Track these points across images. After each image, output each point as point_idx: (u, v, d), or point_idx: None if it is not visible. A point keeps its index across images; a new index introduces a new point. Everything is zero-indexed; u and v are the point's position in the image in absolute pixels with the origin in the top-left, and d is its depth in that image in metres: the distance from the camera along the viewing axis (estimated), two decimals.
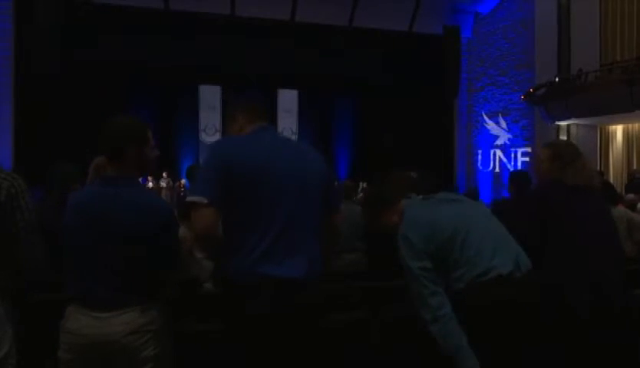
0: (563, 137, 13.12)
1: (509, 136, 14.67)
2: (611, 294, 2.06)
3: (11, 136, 12.24)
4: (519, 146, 14.37)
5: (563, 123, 12.95)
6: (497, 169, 14.95)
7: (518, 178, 4.08)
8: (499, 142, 14.93)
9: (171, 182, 15.42)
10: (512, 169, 14.53)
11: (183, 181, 15.69)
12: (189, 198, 1.66)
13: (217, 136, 17.15)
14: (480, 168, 15.44)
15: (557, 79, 12.55)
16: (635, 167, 12.90)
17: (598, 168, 12.77)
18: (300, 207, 1.65)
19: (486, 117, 15.29)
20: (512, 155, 14.52)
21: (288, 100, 17.83)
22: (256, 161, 1.63)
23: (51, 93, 11.97)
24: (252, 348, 1.54)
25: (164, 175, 15.31)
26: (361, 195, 16.68)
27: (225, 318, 1.67)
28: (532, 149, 14.02)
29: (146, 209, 1.78)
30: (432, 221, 1.92)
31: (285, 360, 1.54)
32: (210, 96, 17.11)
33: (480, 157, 15.47)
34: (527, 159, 14.17)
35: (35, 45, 11.06)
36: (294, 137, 17.87)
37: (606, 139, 13.17)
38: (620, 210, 4.29)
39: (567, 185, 2.20)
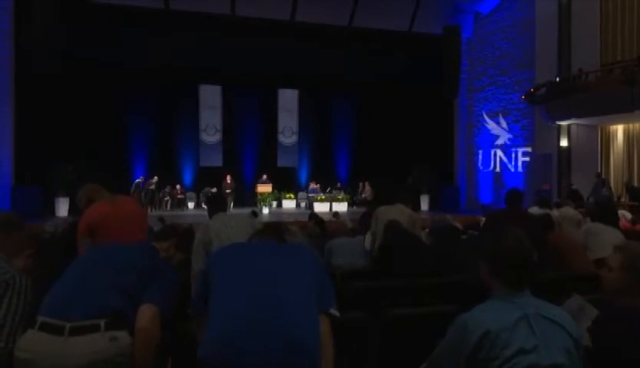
0: (564, 137, 13.11)
1: (510, 135, 14.66)
2: None
3: (11, 136, 12.23)
4: (520, 146, 14.36)
5: (564, 123, 12.93)
6: (498, 169, 14.94)
7: (511, 197, 4.10)
8: (499, 142, 14.92)
9: (171, 190, 15.48)
10: (512, 169, 14.52)
11: (179, 186, 15.77)
12: (191, 314, 1.81)
13: (218, 136, 17.16)
14: (481, 168, 15.43)
15: (557, 79, 12.53)
16: (635, 167, 12.89)
17: (599, 168, 12.75)
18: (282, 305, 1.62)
19: (486, 117, 15.28)
20: (513, 155, 14.51)
21: (288, 99, 17.83)
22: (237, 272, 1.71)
23: (51, 93, 11.95)
24: None
25: (167, 187, 15.34)
26: (363, 195, 16.78)
27: None
28: (533, 149, 14.00)
29: None
30: None
31: None
32: (211, 96, 17.11)
33: (480, 157, 15.46)
34: (527, 158, 14.16)
35: (35, 45, 11.04)
36: (294, 137, 17.88)
37: (607, 139, 13.15)
38: None
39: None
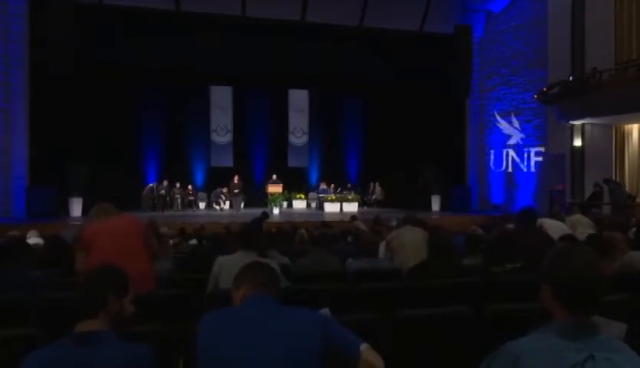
0: (577, 137, 12.95)
1: (522, 135, 14.52)
2: None
3: (26, 137, 12.42)
4: (532, 146, 14.22)
5: (577, 123, 12.77)
6: (510, 169, 14.81)
7: (525, 216, 4.01)
8: (511, 141, 14.79)
9: (182, 191, 15.62)
10: (525, 169, 14.38)
11: (190, 187, 15.88)
12: None
13: (228, 137, 17.26)
14: (493, 168, 15.31)
15: (571, 78, 12.38)
16: None
17: (613, 168, 12.57)
18: None
19: (498, 117, 15.15)
20: (525, 154, 14.37)
21: (298, 99, 17.87)
22: (230, 348, 1.53)
23: (64, 94, 12.11)
24: None
25: (177, 186, 15.48)
26: (374, 196, 16.75)
27: None
28: (546, 149, 13.85)
29: None
30: None
31: None
32: (221, 96, 17.21)
33: (492, 157, 15.34)
34: (540, 158, 14.01)
35: (50, 47, 11.19)
36: (305, 137, 17.90)
37: (621, 139, 12.95)
38: None
39: None
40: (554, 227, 4.83)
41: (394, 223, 6.35)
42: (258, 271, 1.73)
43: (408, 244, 4.18)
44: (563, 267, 1.33)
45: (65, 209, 12.67)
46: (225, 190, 15.65)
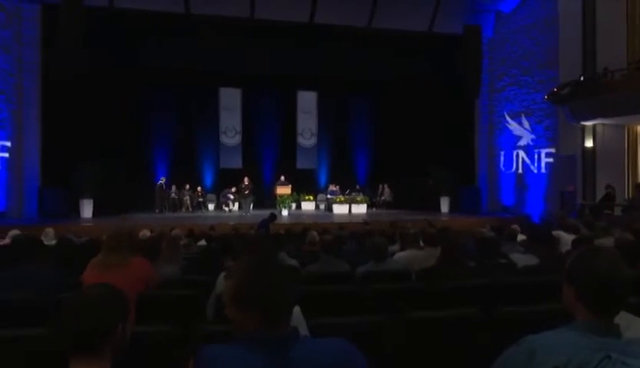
0: (589, 138, 12.80)
1: (533, 136, 14.38)
2: None
3: (38, 139, 12.57)
4: (543, 147, 14.07)
5: (589, 124, 12.62)
6: (520, 170, 14.67)
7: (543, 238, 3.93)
8: (522, 142, 14.66)
9: (192, 193, 15.71)
10: (535, 171, 14.24)
11: (199, 188, 15.96)
12: None
13: (237, 138, 17.32)
14: (502, 169, 15.18)
15: (582, 78, 12.24)
16: None
17: (625, 170, 12.41)
18: None
19: (508, 118, 15.03)
20: (536, 156, 14.23)
21: (307, 101, 17.89)
22: None
23: (76, 96, 12.23)
24: None
25: (187, 187, 15.58)
26: (383, 198, 16.70)
27: None
28: (557, 150, 13.71)
29: None
30: None
31: None
32: (230, 98, 17.29)
33: (502, 158, 15.22)
34: (551, 160, 13.87)
35: (61, 50, 11.32)
36: (313, 138, 17.91)
37: (634, 140, 12.77)
38: None
39: None
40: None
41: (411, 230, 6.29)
42: (272, 294, 1.29)
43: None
44: (587, 267, 1.31)
45: (76, 210, 12.79)
46: (233, 190, 15.72)
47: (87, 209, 12.90)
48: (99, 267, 2.85)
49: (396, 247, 5.12)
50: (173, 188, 15.25)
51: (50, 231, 7.08)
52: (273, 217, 9.09)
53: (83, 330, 1.24)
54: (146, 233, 6.72)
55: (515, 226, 5.95)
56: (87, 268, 2.90)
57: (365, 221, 10.40)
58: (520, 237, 5.45)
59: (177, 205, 15.20)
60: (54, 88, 12.12)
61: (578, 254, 1.37)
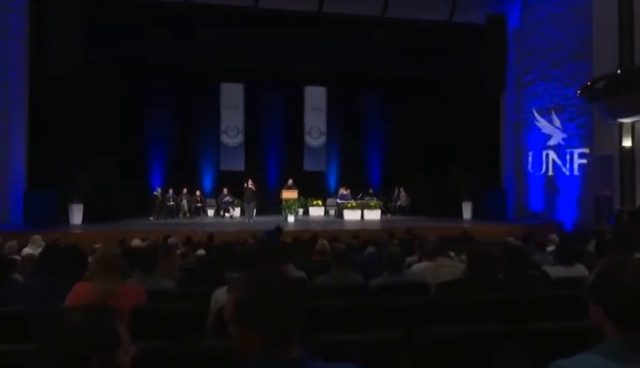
0: (627, 137, 12.65)
1: (564, 135, 14.25)
2: None
3: (24, 139, 12.68)
4: (576, 147, 13.92)
5: (627, 121, 12.47)
6: (550, 172, 14.53)
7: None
8: (552, 142, 14.52)
9: (189, 197, 15.75)
10: (567, 173, 14.10)
11: (198, 192, 15.99)
12: None
13: (239, 138, 17.38)
14: (531, 171, 15.05)
15: (619, 71, 12.12)
16: None
17: None
18: None
19: (536, 115, 14.91)
20: (568, 157, 14.08)
21: (315, 97, 17.92)
22: None
23: (66, 94, 12.34)
24: None
25: (184, 191, 15.63)
26: (398, 203, 16.64)
27: None
28: (591, 150, 13.56)
29: None
30: None
31: None
32: (232, 94, 17.37)
33: (530, 159, 15.08)
34: (585, 161, 13.72)
35: (51, 45, 11.43)
36: (322, 138, 17.92)
37: None
38: None
39: None
40: None
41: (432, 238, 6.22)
42: (280, 311, 1.26)
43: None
44: (614, 282, 1.32)
45: (65, 216, 12.89)
46: (225, 191, 15.69)
47: (76, 215, 12.99)
48: (85, 294, 2.81)
49: (415, 257, 5.08)
50: (170, 192, 15.31)
51: (37, 238, 7.13)
52: (279, 230, 8.93)
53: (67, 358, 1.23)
54: (136, 242, 6.73)
55: (553, 236, 5.88)
56: (72, 293, 2.84)
57: (392, 232, 10.08)
58: (550, 247, 5.40)
59: (174, 211, 15.26)
60: (42, 86, 12.24)
61: (602, 268, 1.38)
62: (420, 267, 4.25)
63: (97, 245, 7.13)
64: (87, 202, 13.05)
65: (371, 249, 6.44)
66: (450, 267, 4.12)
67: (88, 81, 12.87)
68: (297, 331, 1.28)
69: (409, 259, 4.72)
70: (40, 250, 5.85)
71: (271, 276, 1.35)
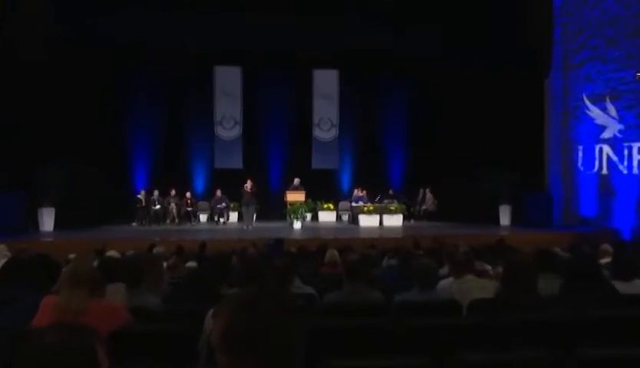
0: None
1: (621, 126, 14.18)
2: None
3: None
4: (635, 141, 13.85)
5: None
6: (605, 171, 14.46)
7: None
8: (606, 134, 14.46)
9: (179, 200, 15.82)
10: (625, 171, 13.99)
11: (189, 194, 16.04)
12: None
13: (237, 131, 17.45)
14: (581, 169, 14.98)
15: None
16: None
17: None
18: None
19: (588, 102, 14.85)
20: (626, 151, 14.01)
21: (326, 83, 17.94)
22: None
23: (35, 84, 12.43)
24: None
25: (172, 193, 15.71)
26: (424, 207, 16.61)
27: None
28: None
29: None
30: None
31: None
32: (228, 79, 17.44)
33: (580, 154, 15.02)
34: None
35: (19, 28, 11.51)
36: (334, 130, 17.92)
37: None
38: None
39: None
40: None
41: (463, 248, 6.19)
42: (274, 339, 1.26)
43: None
44: None
45: (34, 222, 13.00)
46: (220, 194, 15.74)
47: (47, 221, 13.12)
48: (55, 311, 2.82)
49: (444, 270, 5.07)
50: (156, 194, 15.40)
51: (2, 248, 7.21)
52: (279, 243, 8.89)
53: None
54: (113, 253, 6.76)
55: (607, 246, 5.83)
56: (40, 311, 2.88)
57: (416, 240, 10.06)
58: (604, 259, 5.35)
59: (160, 216, 15.36)
60: (8, 73, 12.34)
61: None
62: (447, 283, 4.24)
63: (72, 255, 7.18)
64: (60, 205, 13.16)
65: (390, 261, 6.42)
66: (481, 283, 4.12)
67: (59, 69, 12.96)
68: (294, 361, 1.27)
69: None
70: (4, 261, 5.92)
71: (264, 295, 1.34)
